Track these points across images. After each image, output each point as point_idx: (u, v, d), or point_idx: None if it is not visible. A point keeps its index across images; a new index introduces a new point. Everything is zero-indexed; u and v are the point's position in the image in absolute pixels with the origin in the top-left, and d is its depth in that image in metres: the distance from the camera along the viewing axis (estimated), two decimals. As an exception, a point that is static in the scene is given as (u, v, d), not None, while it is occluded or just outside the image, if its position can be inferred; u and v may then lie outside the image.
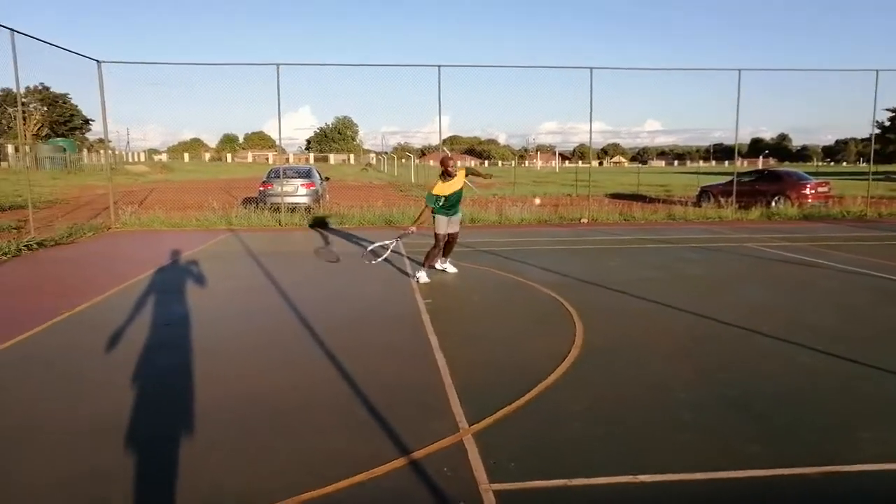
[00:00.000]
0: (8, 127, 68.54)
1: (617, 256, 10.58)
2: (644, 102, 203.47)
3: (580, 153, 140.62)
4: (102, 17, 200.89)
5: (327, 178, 21.18)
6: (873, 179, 19.67)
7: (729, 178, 20.29)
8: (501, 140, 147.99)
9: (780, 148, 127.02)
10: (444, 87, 15.24)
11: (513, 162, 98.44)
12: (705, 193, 20.44)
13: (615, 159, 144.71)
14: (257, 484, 3.11)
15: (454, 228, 8.61)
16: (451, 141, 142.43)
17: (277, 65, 14.93)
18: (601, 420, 3.86)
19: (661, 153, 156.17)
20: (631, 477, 3.16)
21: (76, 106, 73.28)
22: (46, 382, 4.57)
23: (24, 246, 10.90)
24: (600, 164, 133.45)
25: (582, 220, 16.56)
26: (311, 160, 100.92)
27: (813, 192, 18.91)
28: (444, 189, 8.24)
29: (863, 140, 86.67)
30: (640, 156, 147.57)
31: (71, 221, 14.77)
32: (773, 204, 18.49)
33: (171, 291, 7.67)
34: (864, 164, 78.19)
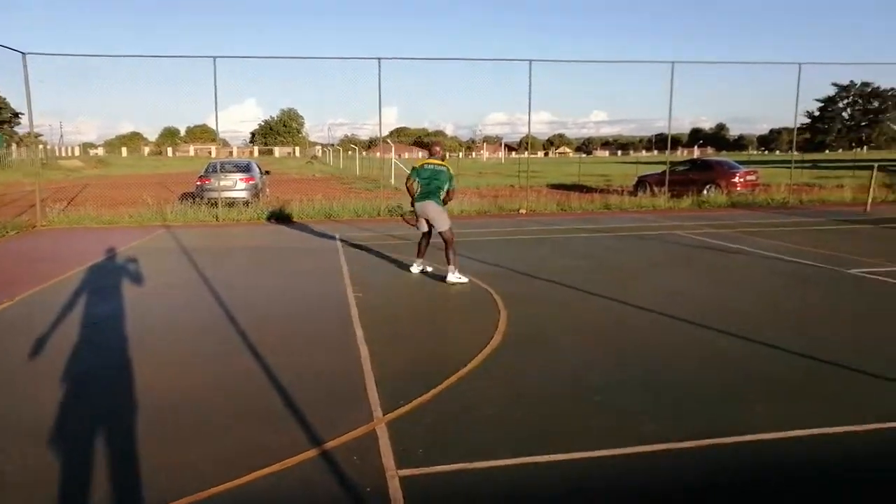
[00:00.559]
0: (-72, 121, 65.17)
1: (549, 246, 10.85)
2: (590, 94, 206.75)
3: (527, 144, 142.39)
4: (30, 7, 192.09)
5: (267, 172, 20.91)
6: (804, 167, 20.57)
7: (665, 168, 20.95)
8: (449, 131, 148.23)
9: (718, 137, 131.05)
10: (391, 79, 15.30)
11: (460, 153, 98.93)
12: (642, 183, 21.01)
13: (560, 150, 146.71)
14: (167, 478, 3.14)
15: (426, 215, 7.92)
16: (399, 132, 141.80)
17: (214, 58, 14.67)
18: (512, 405, 4.02)
19: (606, 143, 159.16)
20: (529, 458, 3.31)
21: (4, 98, 70.08)
22: (-45, 387, 4.46)
23: (-59, 246, 10.47)
24: (546, 154, 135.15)
25: (521, 211, 16.83)
26: (256, 153, 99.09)
27: (742, 180, 19.67)
28: (420, 161, 7.93)
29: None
30: (585, 146, 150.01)
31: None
32: (705, 192, 19.16)
33: (95, 290, 7.52)
34: (796, 152, 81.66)
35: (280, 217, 15.39)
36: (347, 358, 4.95)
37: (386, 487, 3.04)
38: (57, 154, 72.11)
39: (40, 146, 66.05)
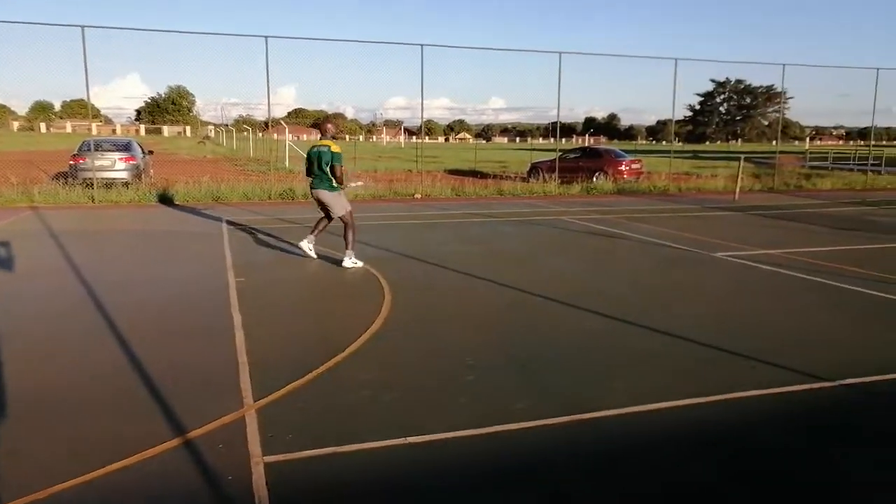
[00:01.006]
0: None
1: (441, 231, 10.96)
2: (488, 81, 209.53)
3: (427, 129, 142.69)
4: None
5: (150, 152, 19.79)
6: (685, 158, 21.82)
7: (556, 155, 21.64)
8: (349, 114, 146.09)
9: (610, 127, 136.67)
10: (285, 60, 14.87)
11: (360, 136, 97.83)
12: (535, 169, 21.58)
13: (461, 135, 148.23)
14: (15, 474, 2.93)
15: (318, 201, 7.90)
16: (297, 114, 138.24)
17: (82, 27, 13.65)
18: (387, 388, 4.04)
19: (505, 130, 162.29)
20: (401, 440, 3.35)
21: None
22: None
23: None
24: (446, 139, 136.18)
25: (415, 196, 16.89)
26: (143, 132, 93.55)
27: (627, 168, 20.63)
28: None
29: (678, 122, 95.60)
30: (485, 132, 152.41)
31: None
32: (594, 179, 19.96)
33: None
34: (679, 143, 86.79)
35: (163, 199, 14.64)
36: (222, 345, 4.80)
37: (250, 475, 2.98)
38: None
39: None
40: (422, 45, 15.84)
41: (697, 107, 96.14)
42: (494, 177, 22.16)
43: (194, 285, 6.82)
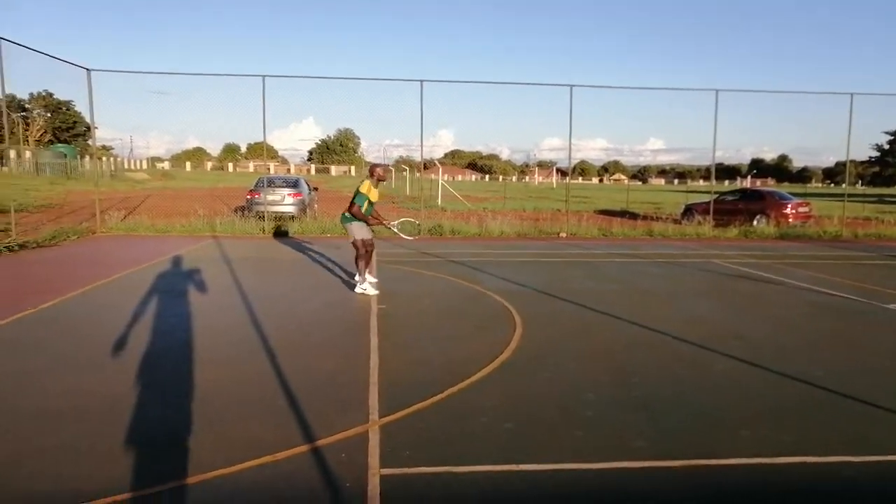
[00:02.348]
0: (11, 132, 69.34)
1: (581, 269, 10.84)
2: (645, 121, 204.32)
3: (580, 170, 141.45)
4: (98, 27, 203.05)
5: (315, 189, 21.49)
6: (867, 202, 19.91)
7: (714, 197, 20.61)
8: (504, 155, 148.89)
9: (780, 168, 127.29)
10: (446, 102, 15.73)
11: (513, 177, 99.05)
12: (689, 211, 20.71)
13: (615, 176, 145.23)
14: (175, 465, 3.35)
15: (369, 235, 8.31)
16: (453, 155, 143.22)
17: (263, 76, 15.29)
18: (506, 416, 4.10)
19: (662, 171, 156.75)
20: (513, 466, 3.39)
21: (79, 112, 74.06)
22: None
23: (5, 247, 11.18)
24: (600, 181, 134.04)
25: (561, 235, 16.82)
26: (313, 171, 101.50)
27: (794, 211, 19.17)
28: (372, 194, 8.15)
29: (862, 163, 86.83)
30: (641, 174, 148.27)
31: (58, 225, 15.09)
32: (755, 223, 18.76)
33: (135, 293, 7.93)
34: (863, 186, 78.71)
35: (322, 231, 15.80)
36: (357, 365, 5.12)
37: (366, 484, 3.17)
38: (126, 166, 75.51)
39: (109, 158, 69.50)
40: (571, 86, 15.94)
41: (886, 146, 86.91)
42: (645, 218, 21.48)
43: (340, 309, 7.31)
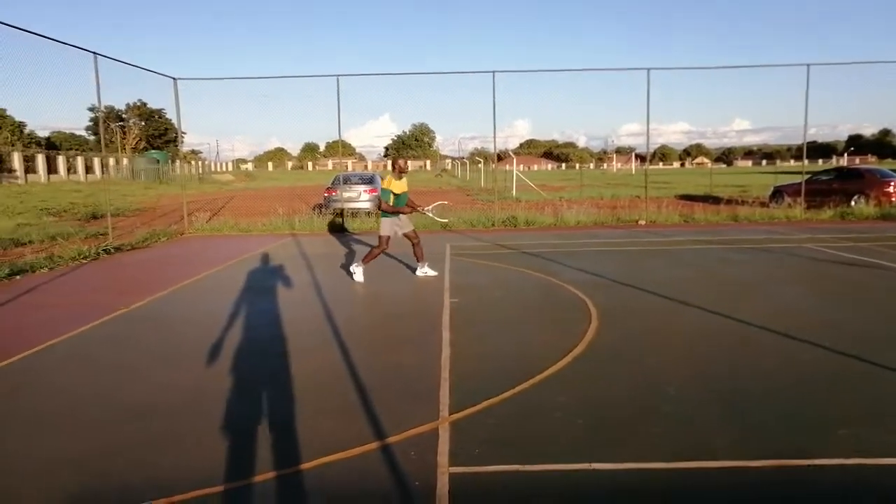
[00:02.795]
0: (110, 141, 73.96)
1: (661, 257, 10.45)
2: (729, 101, 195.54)
3: (661, 155, 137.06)
4: (182, 36, 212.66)
5: (391, 184, 21.72)
6: None
7: (806, 177, 19.47)
8: (581, 143, 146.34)
9: (881, 144, 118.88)
10: (518, 92, 15.51)
11: (590, 164, 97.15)
12: (779, 193, 19.65)
13: (698, 160, 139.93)
14: (241, 459, 3.43)
15: (408, 228, 8.77)
16: (529, 144, 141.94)
17: (337, 76, 15.56)
18: (580, 412, 3.97)
19: (749, 152, 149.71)
20: (586, 464, 3.27)
21: (170, 120, 78.02)
22: (88, 372, 5.10)
23: (103, 250, 11.88)
24: (682, 165, 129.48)
25: (639, 222, 16.32)
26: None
27: (897, 190, 17.82)
28: (394, 187, 8.47)
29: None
30: (725, 156, 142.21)
31: (151, 228, 15.92)
32: (853, 203, 17.58)
33: (217, 291, 8.23)
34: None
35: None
36: (428, 359, 5.10)
37: (434, 483, 3.13)
38: (212, 169, 79.03)
39: (197, 162, 72.99)
40: (648, 69, 15.40)
41: None
42: (729, 201, 20.54)
43: (413, 303, 7.33)
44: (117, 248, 12.38)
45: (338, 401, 4.25)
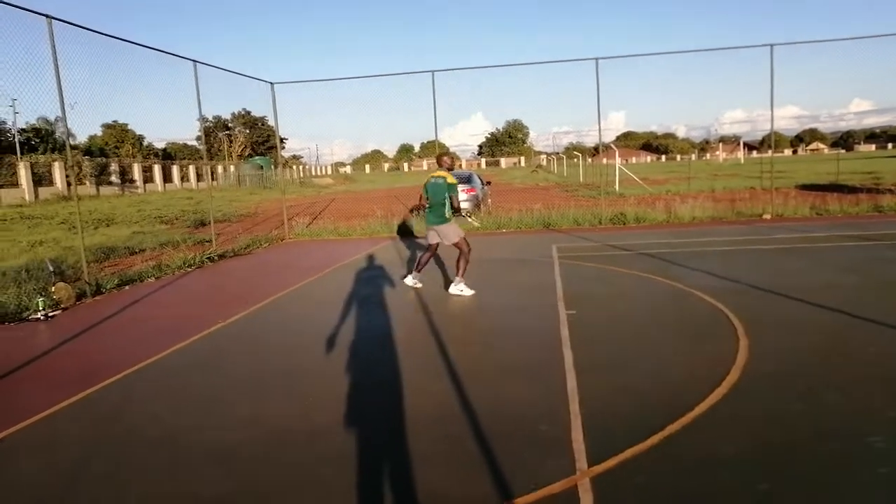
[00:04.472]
0: (218, 149, 77.79)
1: (802, 257, 9.18)
2: (849, 80, 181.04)
3: (769, 143, 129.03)
4: (278, 41, 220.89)
5: (488, 183, 21.08)
6: None
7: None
8: (680, 133, 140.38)
9: None
10: (615, 82, 14.54)
11: (692, 155, 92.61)
12: (925, 179, 17.45)
13: (812, 146, 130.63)
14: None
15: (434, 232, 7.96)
16: (626, 136, 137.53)
17: (433, 72, 15.08)
18: (754, 468, 3.13)
19: (871, 136, 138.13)
20: (786, 554, 2.46)
21: (272, 127, 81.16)
22: (169, 404, 4.73)
23: (207, 258, 11.92)
24: (794, 152, 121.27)
25: (764, 216, 14.80)
26: (483, 165, 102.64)
27: None
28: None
29: None
30: (844, 140, 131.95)
31: (252, 234, 16.06)
32: None
33: (314, 304, 7.85)
34: None
35: (498, 226, 15.28)
36: (552, 389, 4.38)
37: (583, 571, 2.42)
38: (313, 173, 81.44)
39: (298, 166, 75.33)
40: (771, 45, 13.89)
41: None
42: (866, 191, 18.43)
43: (525, 317, 6.61)
44: (221, 256, 12.41)
45: (448, 448, 3.60)
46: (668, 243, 11.46)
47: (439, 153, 8.03)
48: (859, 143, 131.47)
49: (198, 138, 79.43)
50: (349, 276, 9.56)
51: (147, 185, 53.55)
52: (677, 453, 3.33)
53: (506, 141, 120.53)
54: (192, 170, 61.83)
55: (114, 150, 63.22)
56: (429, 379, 4.75)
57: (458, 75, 20.50)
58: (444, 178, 7.63)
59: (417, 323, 6.48)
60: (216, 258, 12.16)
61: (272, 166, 58.77)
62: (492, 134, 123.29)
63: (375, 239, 14.73)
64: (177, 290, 9.31)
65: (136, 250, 13.72)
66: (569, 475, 3.14)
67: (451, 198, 7.61)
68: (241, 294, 8.64)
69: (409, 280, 8.25)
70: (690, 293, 7.12)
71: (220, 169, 67.08)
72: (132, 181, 52.08)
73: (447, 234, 7.77)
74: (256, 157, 66.26)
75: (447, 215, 7.70)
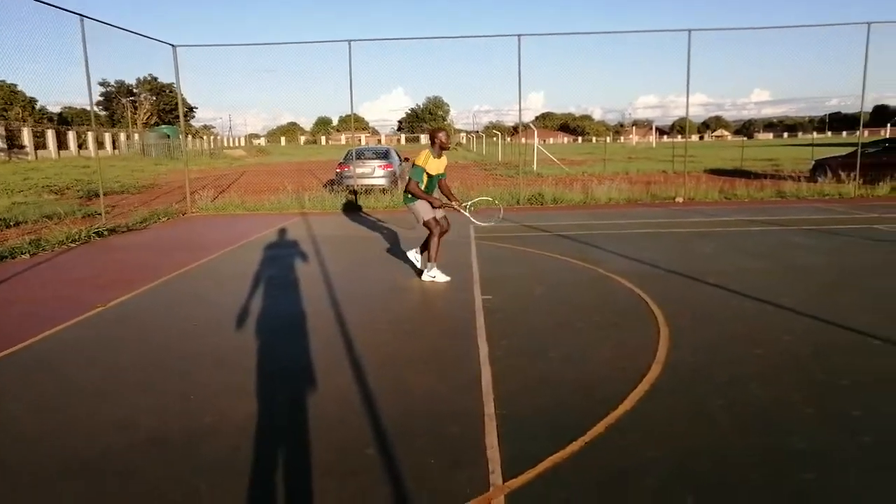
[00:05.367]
0: (121, 116, 73.13)
1: (715, 241, 9.23)
2: (751, 71, 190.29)
3: (679, 128, 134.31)
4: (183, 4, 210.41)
5: (407, 159, 20.54)
6: None
7: (849, 150, 18.08)
8: (597, 116, 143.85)
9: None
10: (536, 62, 14.29)
11: (607, 138, 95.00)
12: (821, 167, 18.31)
13: (717, 133, 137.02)
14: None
15: (442, 212, 7.05)
16: (544, 117, 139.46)
17: (349, 41, 14.32)
18: (684, 475, 2.86)
19: (769, 125, 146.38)
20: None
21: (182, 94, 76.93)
22: (32, 399, 4.05)
23: (95, 233, 10.85)
24: (701, 138, 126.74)
25: (677, 200, 15.05)
26: (403, 141, 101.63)
27: (956, 163, 16.40)
28: (431, 166, 6.78)
29: None
30: (746, 129, 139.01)
31: (151, 207, 14.90)
32: (904, 178, 16.22)
33: (207, 286, 7.18)
34: None
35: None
36: (465, 384, 4.00)
37: None
38: (225, 144, 77.95)
39: (209, 137, 71.89)
40: (689, 31, 13.99)
41: None
42: (769, 177, 19.16)
43: (439, 302, 6.23)
44: (112, 230, 11.35)
45: (347, 455, 3.16)
46: (586, 224, 11.36)
47: (434, 128, 7.07)
48: (759, 132, 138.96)
49: (100, 104, 74.65)
50: (253, 254, 8.88)
51: (39, 151, 49.56)
52: (601, 462, 3.02)
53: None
54: (90, 136, 57.77)
55: (0, 112, 58.13)
56: (332, 371, 4.28)
57: (378, 47, 19.81)
58: (415, 160, 6.85)
59: (323, 307, 5.97)
60: (106, 233, 11.10)
61: (181, 135, 55.77)
62: (412, 110, 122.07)
63: (285, 215, 13.96)
64: (54, 268, 8.34)
65: (13, 223, 12.38)
66: (482, 492, 2.77)
67: (408, 181, 6.82)
68: (130, 274, 7.82)
69: (430, 274, 7.05)
70: (608, 277, 6.93)
71: (122, 137, 63.04)
72: (21, 147, 48.06)
73: (416, 213, 6.90)
74: (163, 126, 62.65)
75: (408, 196, 6.88)
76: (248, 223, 12.57)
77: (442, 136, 6.82)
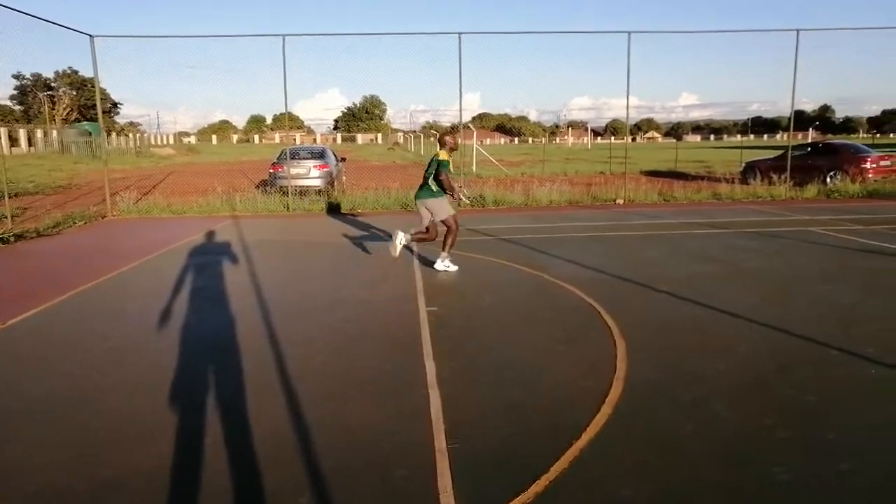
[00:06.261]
0: (38, 111, 69.12)
1: (659, 245, 9.14)
2: (679, 75, 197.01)
3: (612, 129, 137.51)
4: None
5: (343, 159, 19.96)
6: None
7: (778, 153, 18.63)
8: (532, 117, 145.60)
9: (822, 120, 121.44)
10: (473, 62, 13.99)
11: (543, 139, 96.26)
12: (751, 169, 18.80)
13: (649, 135, 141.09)
14: None
15: (455, 209, 7.74)
16: (481, 118, 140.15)
17: (283, 35, 13.71)
18: (661, 522, 2.56)
19: (697, 128, 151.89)
20: None
21: (104, 89, 73.37)
22: None
23: (-1, 239, 9.91)
24: (633, 140, 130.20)
25: (617, 202, 15.07)
26: (339, 140, 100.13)
27: (874, 166, 17.10)
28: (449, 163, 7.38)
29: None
30: (675, 131, 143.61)
31: (72, 208, 13.86)
32: (829, 180, 16.81)
33: (122, 303, 6.55)
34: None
35: (352, 207, 14.31)
36: (412, 412, 3.60)
37: None
38: (152, 143, 74.77)
39: (135, 135, 68.78)
40: (629, 33, 14.01)
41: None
42: (703, 179, 19.54)
43: (381, 315, 5.80)
44: (18, 236, 10.39)
45: (276, 493, 2.73)
46: (529, 228, 11.14)
47: (442, 132, 7.53)
48: (688, 134, 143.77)
49: (14, 98, 70.40)
50: (178, 262, 8.21)
51: (-56, 148, 46.14)
52: (569, 499, 2.68)
53: (363, 117, 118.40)
54: (2, 132, 54.32)
55: None
56: (263, 401, 3.80)
57: (313, 43, 19.17)
58: (435, 156, 7.38)
59: (255, 322, 5.45)
60: (11, 239, 10.15)
61: (103, 133, 53.11)
62: (348, 109, 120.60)
63: (215, 218, 13.21)
64: (-51, 280, 7.48)
65: None
66: (437, 549, 2.39)
67: (438, 172, 7.25)
68: (35, 286, 7.06)
69: (444, 265, 7.50)
70: (557, 285, 6.67)
71: (39, 134, 59.52)
72: (-80, 143, 44.62)
73: (436, 210, 7.42)
74: (84, 123, 59.53)
75: (434, 189, 7.35)
76: (174, 227, 11.79)
77: (450, 139, 7.51)
